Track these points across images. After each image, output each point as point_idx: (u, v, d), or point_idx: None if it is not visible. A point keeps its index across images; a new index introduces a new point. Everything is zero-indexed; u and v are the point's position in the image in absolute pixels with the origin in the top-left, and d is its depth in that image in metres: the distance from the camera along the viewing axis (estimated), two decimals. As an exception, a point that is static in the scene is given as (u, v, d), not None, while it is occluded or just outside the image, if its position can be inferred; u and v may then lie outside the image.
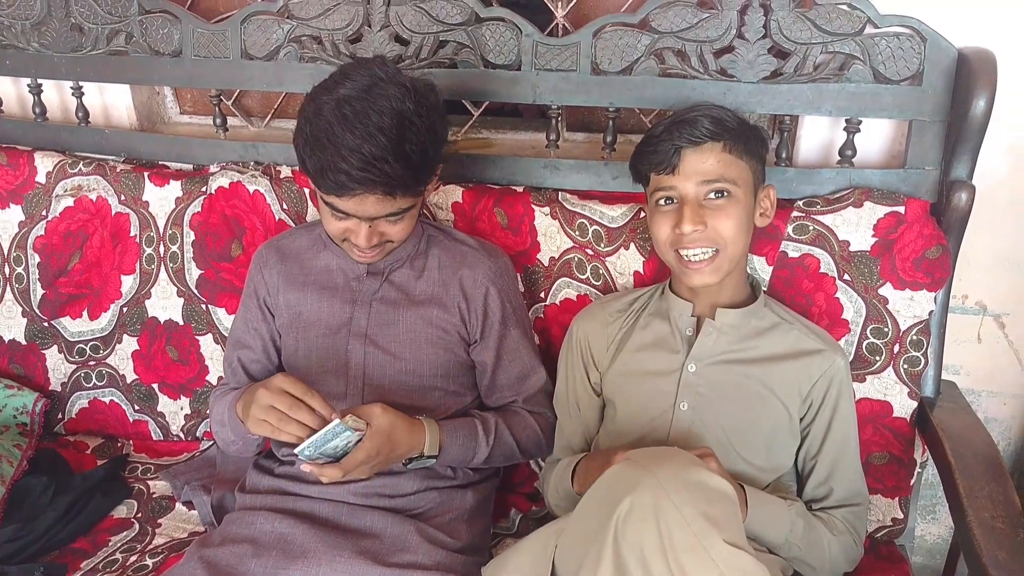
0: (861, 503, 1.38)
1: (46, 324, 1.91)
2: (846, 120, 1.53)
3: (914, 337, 1.47)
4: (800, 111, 1.53)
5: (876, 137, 1.59)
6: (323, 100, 1.28)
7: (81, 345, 1.90)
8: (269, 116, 2.04)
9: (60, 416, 1.92)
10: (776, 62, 1.50)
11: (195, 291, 1.81)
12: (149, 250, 1.84)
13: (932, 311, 1.47)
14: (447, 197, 1.68)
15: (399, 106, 1.26)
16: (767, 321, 1.37)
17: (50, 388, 1.93)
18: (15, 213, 1.93)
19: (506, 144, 1.91)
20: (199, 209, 1.78)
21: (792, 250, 1.49)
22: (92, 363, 1.90)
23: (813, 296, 1.49)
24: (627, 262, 1.58)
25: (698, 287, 1.32)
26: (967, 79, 1.38)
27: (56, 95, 2.06)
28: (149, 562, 1.49)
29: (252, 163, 1.82)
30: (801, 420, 1.35)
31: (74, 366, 1.91)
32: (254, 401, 1.28)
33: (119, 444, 1.89)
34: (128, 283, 1.86)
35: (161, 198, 1.82)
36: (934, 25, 1.42)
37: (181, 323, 1.83)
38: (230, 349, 1.59)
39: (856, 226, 1.46)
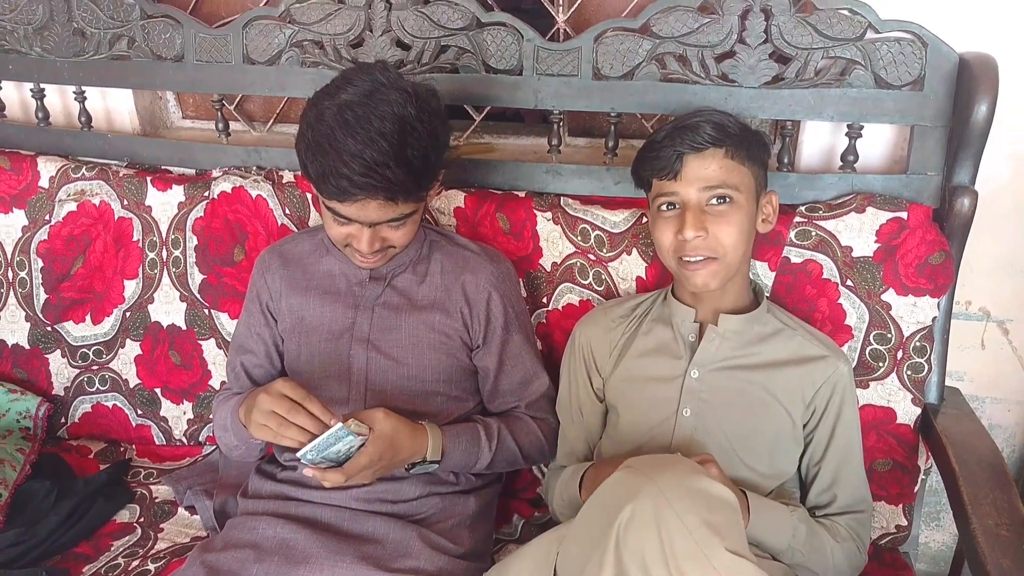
0: (865, 510, 1.37)
1: (49, 328, 1.92)
2: (848, 125, 1.53)
3: (917, 343, 1.47)
4: (802, 116, 1.53)
5: (878, 142, 1.58)
6: (325, 105, 1.28)
7: (84, 350, 1.91)
8: (271, 121, 2.04)
9: (63, 420, 1.92)
10: (777, 67, 1.50)
11: (198, 296, 1.81)
12: (152, 255, 1.84)
13: (935, 317, 1.47)
14: (449, 202, 1.68)
15: (401, 111, 1.26)
16: (770, 327, 1.37)
17: (53, 392, 1.93)
18: (18, 218, 1.93)
19: (508, 149, 1.91)
20: (202, 214, 1.79)
21: (795, 256, 1.49)
22: (95, 368, 1.91)
23: (816, 302, 1.49)
24: (629, 267, 1.58)
25: (700, 289, 1.32)
26: (969, 84, 1.38)
27: (59, 100, 2.06)
28: (151, 567, 1.48)
29: (254, 168, 1.82)
30: (804, 426, 1.35)
31: (77, 371, 1.91)
32: (255, 406, 1.28)
33: (122, 449, 1.89)
34: (131, 288, 1.86)
35: (164, 203, 1.82)
36: (935, 30, 1.42)
37: (184, 328, 1.83)
38: (233, 354, 1.59)
39: (859, 232, 1.46)
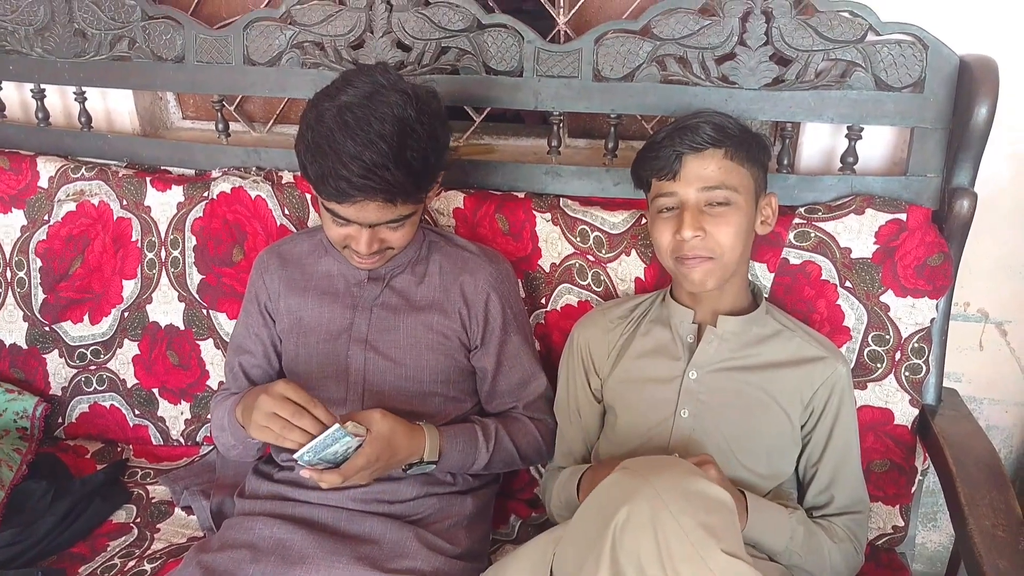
0: (862, 511, 1.37)
1: (47, 328, 1.91)
2: (848, 127, 1.53)
3: (916, 344, 1.47)
4: (802, 118, 1.53)
5: (878, 144, 1.59)
6: (325, 107, 1.28)
7: (82, 350, 1.90)
8: (271, 121, 2.05)
9: (60, 420, 1.92)
10: (778, 69, 1.50)
11: (196, 296, 1.81)
12: (150, 255, 1.84)
13: (934, 318, 1.47)
14: (448, 203, 1.68)
15: (400, 113, 1.26)
16: (769, 328, 1.37)
17: (50, 392, 1.93)
18: (17, 217, 1.93)
19: (508, 150, 1.91)
20: (201, 214, 1.79)
21: (794, 257, 1.49)
22: (93, 368, 1.90)
23: (814, 303, 1.49)
24: (628, 268, 1.58)
25: (696, 288, 1.32)
26: (969, 86, 1.38)
27: (59, 100, 2.06)
28: (148, 567, 1.48)
29: (254, 168, 1.82)
30: (802, 427, 1.35)
31: (75, 370, 1.91)
32: (256, 407, 1.27)
33: (119, 449, 1.89)
34: (129, 288, 1.86)
35: (163, 203, 1.82)
36: (936, 32, 1.42)
37: (182, 328, 1.83)
38: (231, 354, 1.59)
39: (858, 233, 1.46)
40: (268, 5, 1.86)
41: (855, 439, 1.36)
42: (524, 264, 1.65)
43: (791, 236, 1.49)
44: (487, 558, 1.50)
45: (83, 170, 1.89)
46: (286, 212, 1.74)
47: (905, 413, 1.49)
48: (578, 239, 1.61)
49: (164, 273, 1.83)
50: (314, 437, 1.23)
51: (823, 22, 1.45)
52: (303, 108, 1.33)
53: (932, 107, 1.45)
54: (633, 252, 1.56)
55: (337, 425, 1.22)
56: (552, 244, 1.63)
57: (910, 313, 1.46)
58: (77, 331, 1.90)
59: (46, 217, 1.90)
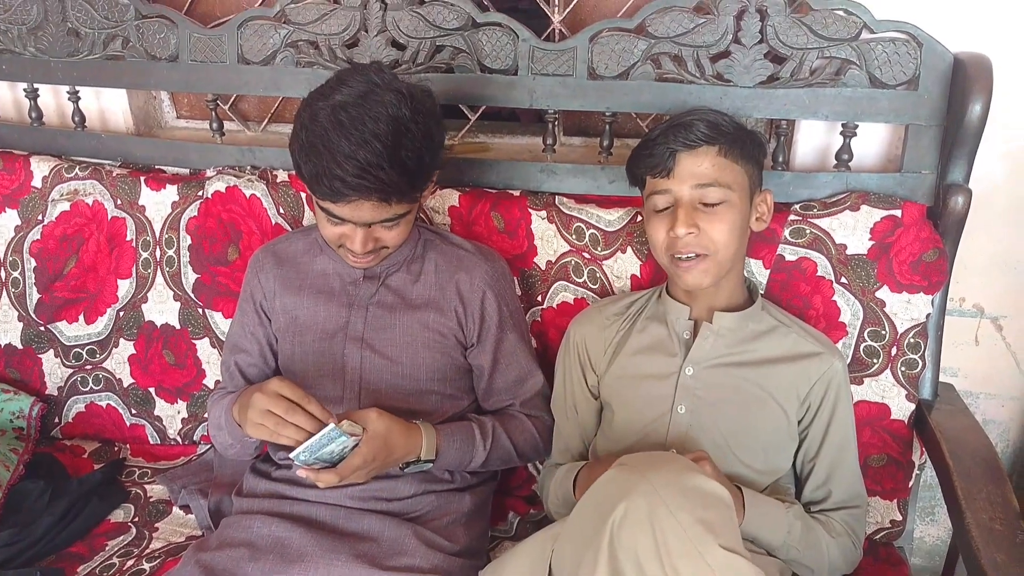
0: (860, 505, 1.38)
1: (42, 328, 1.91)
2: (842, 124, 1.53)
3: (911, 340, 1.47)
4: (796, 116, 1.54)
5: (873, 141, 1.59)
6: (319, 106, 1.28)
7: (77, 349, 1.90)
8: (266, 120, 2.04)
9: (57, 420, 1.92)
10: (772, 67, 1.51)
11: (191, 295, 1.80)
12: (145, 254, 1.83)
13: (929, 314, 1.48)
14: (444, 201, 1.68)
15: (395, 112, 1.26)
16: (765, 324, 1.38)
17: (46, 392, 1.92)
18: (11, 217, 1.92)
19: (503, 148, 1.91)
20: (195, 213, 1.78)
21: (789, 253, 1.49)
22: (89, 367, 1.90)
23: (810, 299, 1.50)
24: (624, 266, 1.58)
25: (692, 287, 1.33)
26: (963, 84, 1.39)
27: (52, 99, 2.06)
28: (146, 566, 1.48)
29: (249, 167, 1.82)
30: (799, 423, 1.35)
31: (70, 370, 1.91)
32: (251, 405, 1.27)
33: (116, 448, 1.89)
34: (124, 287, 1.86)
35: (157, 202, 1.82)
36: (930, 30, 1.42)
37: (178, 327, 1.83)
38: (227, 353, 1.59)
39: (853, 229, 1.47)
40: (262, 4, 1.86)
41: (852, 434, 1.37)
42: (520, 262, 1.65)
43: (786, 233, 1.49)
44: (486, 555, 1.51)
45: (77, 170, 1.89)
46: (281, 211, 1.74)
47: (902, 408, 1.49)
48: (574, 237, 1.61)
49: (159, 272, 1.83)
50: (309, 433, 1.23)
51: (817, 20, 1.46)
52: (297, 107, 1.33)
53: (926, 104, 1.46)
54: (629, 249, 1.57)
55: (333, 424, 1.22)
56: (548, 242, 1.63)
57: (906, 309, 1.47)
58: (72, 331, 1.90)
59: (40, 217, 1.90)
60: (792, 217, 1.49)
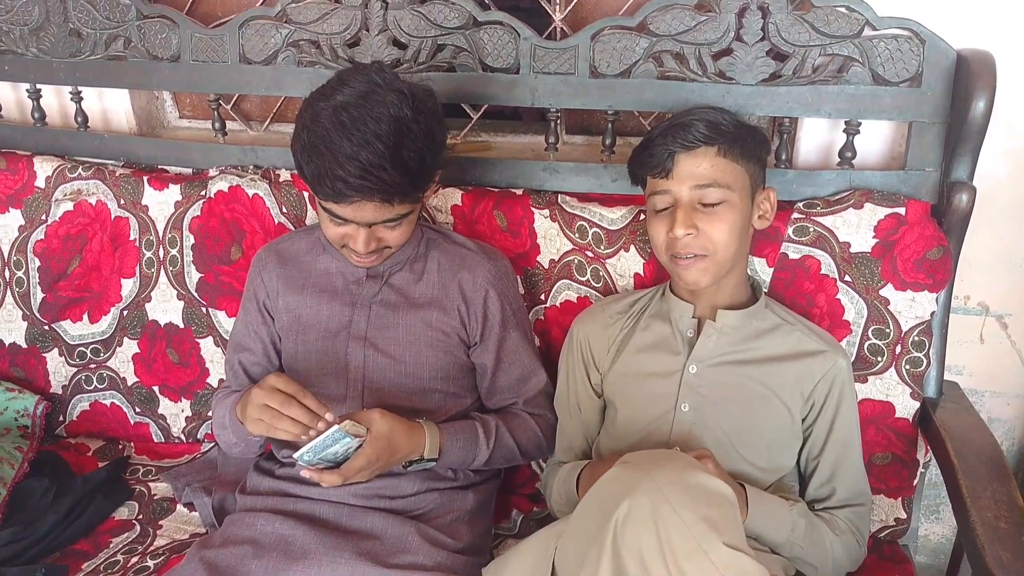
0: (864, 503, 1.38)
1: (46, 327, 1.91)
2: (845, 122, 1.53)
3: (916, 338, 1.47)
4: (799, 113, 1.53)
5: (876, 139, 1.59)
6: (320, 107, 1.27)
7: (82, 348, 1.90)
8: (268, 120, 2.04)
9: (61, 419, 1.92)
10: (775, 64, 1.50)
11: (195, 294, 1.81)
12: (149, 254, 1.84)
13: (934, 312, 1.47)
14: (446, 200, 1.68)
15: (397, 113, 1.26)
16: (768, 322, 1.37)
17: (51, 391, 1.93)
18: (15, 217, 1.93)
19: (505, 147, 1.91)
20: (198, 213, 1.78)
21: (792, 252, 1.49)
22: (93, 366, 1.90)
23: (814, 297, 1.49)
24: (627, 264, 1.58)
25: (691, 287, 1.33)
26: (966, 80, 1.38)
27: (55, 100, 2.06)
28: (150, 563, 1.48)
29: (251, 167, 1.82)
30: (803, 421, 1.35)
31: (75, 369, 1.91)
32: (249, 401, 1.29)
33: (120, 446, 1.89)
34: (128, 286, 1.86)
35: (160, 202, 1.82)
36: (933, 27, 1.42)
37: (181, 326, 1.83)
38: (231, 352, 1.59)
39: (857, 227, 1.46)
40: (263, 4, 1.86)
41: (856, 432, 1.37)
42: (523, 260, 1.65)
43: (790, 231, 1.49)
44: (489, 553, 1.51)
45: (80, 170, 1.89)
46: (284, 210, 1.74)
47: (906, 406, 1.49)
48: (577, 235, 1.61)
49: (163, 272, 1.83)
50: (304, 425, 1.24)
51: (819, 17, 1.45)
52: (299, 108, 1.33)
53: (930, 101, 1.45)
54: (632, 248, 1.56)
55: (337, 427, 1.22)
56: (551, 240, 1.63)
57: (910, 307, 1.46)
58: (76, 330, 1.90)
59: (44, 217, 1.90)
60: (796, 215, 1.49)
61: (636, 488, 1.04)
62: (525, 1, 1.89)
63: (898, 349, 1.48)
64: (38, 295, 1.91)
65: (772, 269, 1.50)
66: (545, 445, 1.52)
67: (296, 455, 1.25)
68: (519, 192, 1.67)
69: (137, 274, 1.85)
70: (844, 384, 1.34)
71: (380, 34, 1.68)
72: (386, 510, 1.39)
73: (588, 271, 1.61)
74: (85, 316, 1.89)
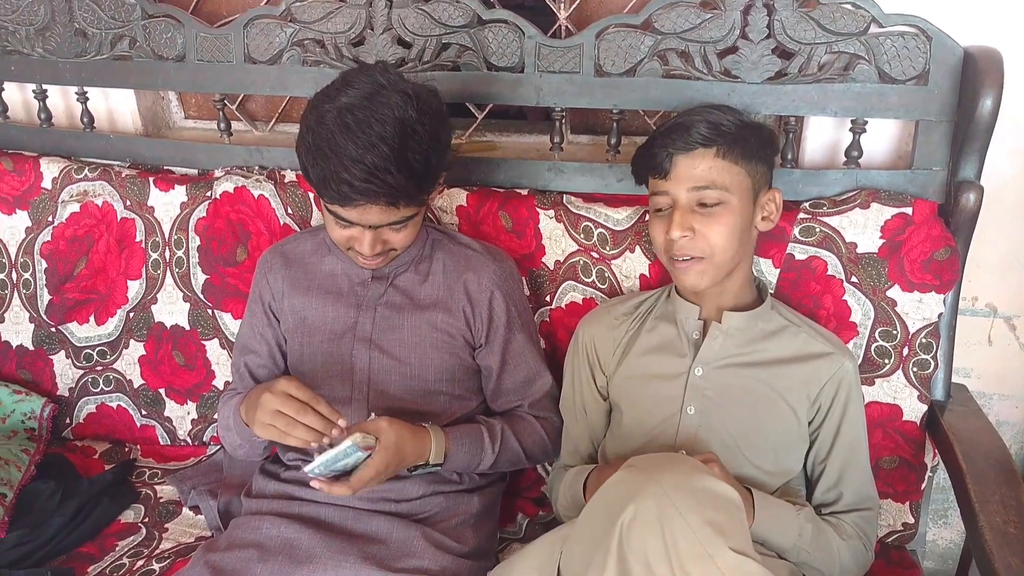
0: (871, 507, 1.37)
1: (53, 329, 1.92)
2: (852, 121, 1.52)
3: (923, 340, 1.46)
4: (805, 112, 1.52)
5: (882, 138, 1.58)
6: (325, 108, 1.27)
7: (88, 350, 1.91)
8: (273, 120, 2.04)
9: (68, 421, 1.93)
10: (780, 62, 1.49)
11: (201, 296, 1.81)
12: (155, 255, 1.84)
13: (941, 313, 1.46)
14: (451, 200, 1.68)
15: (401, 114, 1.25)
16: (774, 324, 1.37)
17: (58, 393, 1.93)
18: (21, 219, 1.93)
19: (510, 147, 1.91)
20: (204, 214, 1.78)
21: (799, 252, 1.48)
22: (99, 368, 1.91)
23: (820, 299, 1.48)
24: (633, 265, 1.57)
25: (689, 289, 1.33)
26: (974, 78, 1.37)
27: (61, 100, 2.06)
28: (156, 567, 1.48)
29: (257, 167, 1.81)
30: (809, 424, 1.34)
31: (81, 371, 1.91)
32: (260, 405, 1.27)
33: (126, 449, 1.89)
34: (134, 288, 1.86)
35: (166, 203, 1.82)
36: (940, 24, 1.40)
37: (187, 328, 1.83)
38: (237, 354, 1.59)
39: (863, 228, 1.45)
40: (268, 3, 1.85)
41: (863, 435, 1.36)
42: (528, 261, 1.65)
43: (796, 231, 1.48)
44: (494, 556, 1.50)
45: (86, 171, 1.89)
46: (289, 211, 1.74)
47: (914, 409, 1.48)
48: (582, 236, 1.60)
49: (168, 273, 1.83)
50: (318, 434, 1.23)
51: (825, 14, 1.44)
52: (304, 109, 1.32)
53: (936, 100, 1.44)
54: (637, 248, 1.56)
55: (349, 442, 1.22)
56: (556, 241, 1.63)
57: (917, 308, 1.45)
58: (83, 332, 1.91)
59: (50, 218, 1.90)
60: (802, 215, 1.48)
61: (642, 492, 1.04)
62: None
63: (905, 351, 1.47)
64: (45, 297, 1.91)
65: (778, 270, 1.49)
66: (551, 448, 1.52)
67: (307, 469, 1.25)
68: (524, 192, 1.67)
69: (143, 276, 1.85)
70: (851, 387, 1.33)
71: (384, 33, 1.67)
72: (391, 514, 1.39)
73: (593, 272, 1.60)
74: (92, 318, 1.89)
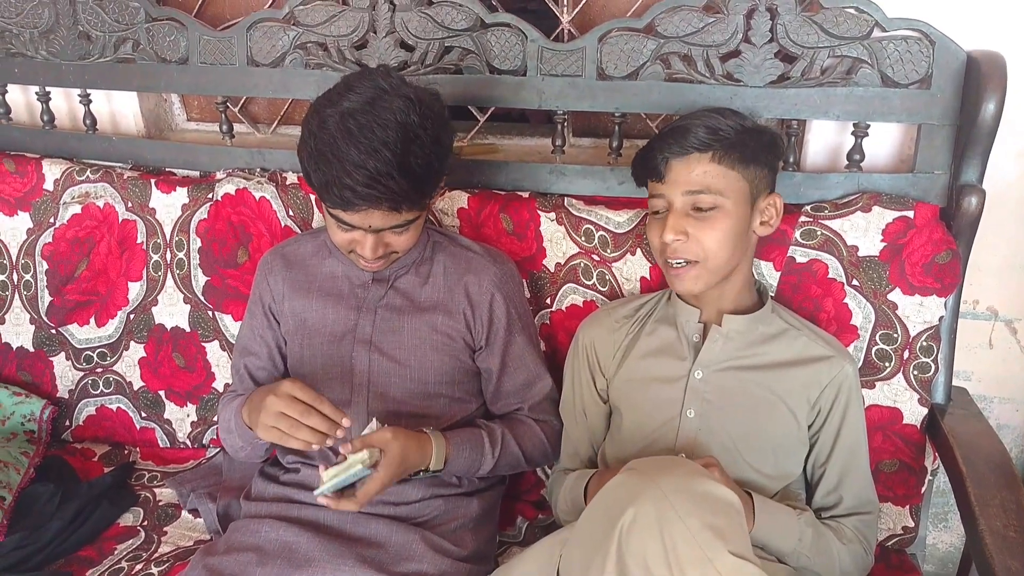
0: (871, 511, 1.36)
1: (53, 331, 1.92)
2: (854, 124, 1.51)
3: (924, 343, 1.46)
4: (807, 115, 1.52)
5: (885, 141, 1.58)
6: (327, 113, 1.27)
7: (88, 352, 1.91)
8: (275, 123, 2.04)
9: (67, 423, 1.93)
10: (783, 66, 1.49)
11: (201, 298, 1.81)
12: (156, 257, 1.84)
13: (942, 317, 1.46)
14: (453, 203, 1.68)
15: (404, 119, 1.25)
16: (775, 327, 1.36)
17: (57, 395, 1.93)
18: (23, 220, 1.93)
19: (512, 149, 1.91)
20: (205, 216, 1.78)
21: (800, 255, 1.48)
22: (99, 370, 1.91)
23: (821, 302, 1.48)
24: (633, 268, 1.57)
25: (683, 293, 1.33)
26: (976, 82, 1.37)
27: (64, 103, 2.07)
28: (155, 570, 1.48)
29: (258, 170, 1.82)
30: (809, 427, 1.34)
31: (81, 373, 1.91)
32: (263, 408, 1.27)
33: (126, 451, 1.89)
34: (135, 290, 1.86)
35: (168, 205, 1.82)
36: (942, 28, 1.40)
37: (188, 330, 1.83)
38: (237, 356, 1.59)
39: (865, 231, 1.45)
40: (271, 6, 1.86)
41: (863, 439, 1.35)
42: (529, 264, 1.65)
43: (797, 234, 1.47)
44: (494, 560, 1.50)
45: (88, 172, 1.89)
46: (290, 213, 1.74)
47: (914, 412, 1.48)
48: (583, 239, 1.60)
49: (169, 275, 1.83)
50: (322, 435, 1.23)
51: (828, 18, 1.44)
52: (305, 113, 1.32)
53: (939, 103, 1.44)
54: (638, 251, 1.56)
55: (360, 466, 1.22)
56: (557, 244, 1.63)
57: (918, 311, 1.45)
58: (83, 333, 1.91)
59: (52, 220, 1.90)
60: (803, 218, 1.48)
61: (641, 495, 1.03)
62: (532, 3, 1.88)
63: (906, 354, 1.46)
64: (46, 298, 1.91)
65: (779, 273, 1.49)
66: (551, 452, 1.51)
67: (316, 493, 1.24)
68: (525, 195, 1.67)
69: (144, 277, 1.85)
70: (851, 390, 1.33)
71: (387, 36, 1.67)
72: (390, 517, 1.39)
73: (594, 275, 1.60)
74: (92, 320, 1.89)
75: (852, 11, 1.43)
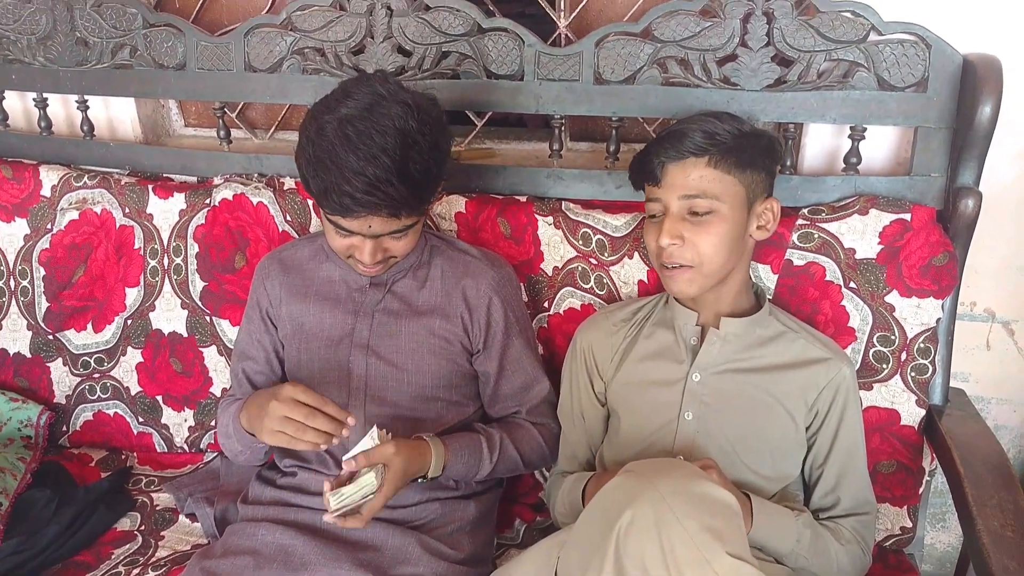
0: (869, 512, 1.36)
1: (51, 337, 1.91)
2: (851, 128, 1.52)
3: (921, 345, 1.46)
4: (804, 119, 1.52)
5: (881, 144, 1.58)
6: (325, 119, 1.27)
7: (85, 358, 1.90)
8: (273, 128, 2.05)
9: (64, 429, 1.92)
10: (780, 70, 1.50)
11: (199, 303, 1.80)
12: (153, 262, 1.84)
13: (939, 318, 1.46)
14: (450, 207, 1.68)
15: (402, 125, 1.25)
16: (772, 330, 1.37)
17: (55, 401, 1.93)
18: (20, 226, 1.93)
19: (509, 154, 1.91)
20: (203, 221, 1.78)
21: (797, 258, 1.48)
22: (96, 376, 1.90)
23: (819, 304, 1.48)
24: (631, 271, 1.57)
25: (678, 296, 1.34)
26: (973, 85, 1.37)
27: (62, 109, 2.07)
28: (152, 575, 1.48)
29: (256, 175, 1.82)
30: (807, 429, 1.34)
31: (78, 379, 1.91)
32: (267, 414, 1.26)
33: (123, 456, 1.89)
34: (132, 295, 1.86)
35: (165, 210, 1.82)
36: (939, 31, 1.41)
37: (185, 335, 1.83)
38: (235, 361, 1.59)
39: (862, 234, 1.45)
40: (269, 11, 1.87)
41: (861, 440, 1.36)
42: (526, 268, 1.65)
43: (795, 237, 1.48)
44: (491, 563, 1.49)
45: (86, 178, 1.89)
46: (288, 218, 1.74)
47: (912, 414, 1.48)
48: (580, 242, 1.60)
49: (167, 280, 1.83)
50: (328, 436, 1.23)
51: (825, 22, 1.45)
52: (303, 119, 1.32)
53: (936, 107, 1.44)
54: (636, 255, 1.56)
55: (372, 491, 1.22)
56: (554, 247, 1.63)
57: (915, 313, 1.45)
58: (80, 339, 1.90)
59: (49, 226, 1.90)
60: (800, 221, 1.48)
61: (639, 497, 1.04)
62: (530, 8, 1.89)
63: (903, 356, 1.47)
64: (43, 304, 1.91)
65: (777, 276, 1.49)
66: (548, 455, 1.51)
67: (326, 517, 1.23)
68: (523, 199, 1.67)
69: (141, 283, 1.85)
70: (848, 392, 1.33)
71: (385, 41, 1.68)
72: (387, 520, 1.39)
73: (592, 278, 1.60)
74: (89, 325, 1.89)
75: (848, 15, 1.44)
